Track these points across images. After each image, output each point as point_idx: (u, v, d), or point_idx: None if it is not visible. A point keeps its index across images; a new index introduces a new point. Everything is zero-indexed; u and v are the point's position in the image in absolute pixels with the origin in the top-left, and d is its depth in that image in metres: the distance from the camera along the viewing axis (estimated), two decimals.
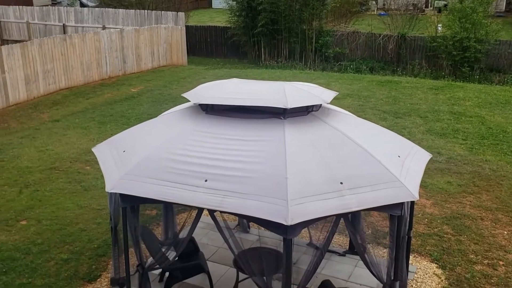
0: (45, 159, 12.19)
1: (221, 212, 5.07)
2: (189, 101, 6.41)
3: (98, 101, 17.69)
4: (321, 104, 6.22)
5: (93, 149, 6.56)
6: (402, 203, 5.41)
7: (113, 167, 5.83)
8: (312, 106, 6.08)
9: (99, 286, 7.28)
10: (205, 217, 8.32)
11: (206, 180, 5.19)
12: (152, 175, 5.43)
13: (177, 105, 7.66)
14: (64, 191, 10.41)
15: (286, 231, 4.84)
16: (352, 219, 5.59)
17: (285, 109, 5.75)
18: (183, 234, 6.13)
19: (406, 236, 6.71)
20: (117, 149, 6.13)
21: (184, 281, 7.18)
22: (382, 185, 5.30)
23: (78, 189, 10.52)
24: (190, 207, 5.19)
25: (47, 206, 9.73)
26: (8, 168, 11.61)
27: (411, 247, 7.28)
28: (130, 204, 5.66)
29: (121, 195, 5.54)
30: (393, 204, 5.32)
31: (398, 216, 5.47)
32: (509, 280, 7.41)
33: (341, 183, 5.16)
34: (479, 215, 9.38)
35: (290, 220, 4.71)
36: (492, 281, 7.39)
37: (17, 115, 16.07)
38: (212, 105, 6.10)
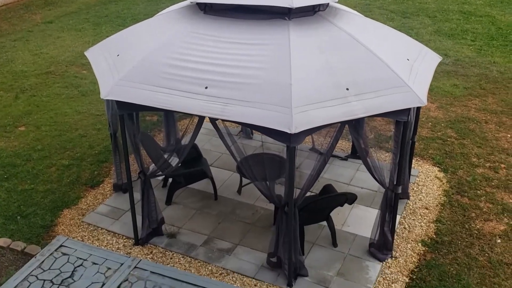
0: (40, 63, 11.83)
1: (222, 120, 4.90)
2: None
3: (92, 1, 16.89)
4: (328, 3, 5.81)
5: (86, 53, 6.24)
6: (409, 109, 5.23)
7: (107, 72, 5.56)
8: (319, 5, 5.68)
9: (102, 191, 7.33)
10: (207, 123, 8.19)
11: (206, 87, 4.95)
12: (148, 81, 5.18)
13: (175, 3, 7.20)
14: (62, 96, 10.20)
15: (289, 139, 4.71)
16: (355, 124, 5.43)
17: (290, 9, 5.36)
18: (185, 141, 6.02)
19: (410, 141, 6.64)
20: (110, 53, 5.82)
21: (187, 186, 7.22)
22: (390, 90, 5.07)
23: (76, 94, 10.30)
24: (191, 115, 5.00)
25: (45, 112, 9.58)
26: (2, 73, 11.30)
27: (414, 151, 7.23)
28: (127, 111, 5.48)
29: (118, 102, 5.33)
30: (400, 110, 5.13)
31: (404, 122, 5.32)
32: (510, 182, 7.44)
33: (347, 89, 4.92)
34: (483, 118, 9.25)
35: (294, 128, 4.55)
36: (493, 183, 7.43)
37: (8, 17, 15.40)
38: (211, 4, 5.70)
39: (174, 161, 6.09)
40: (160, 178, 7.33)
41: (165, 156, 6.82)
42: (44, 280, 5.67)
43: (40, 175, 7.69)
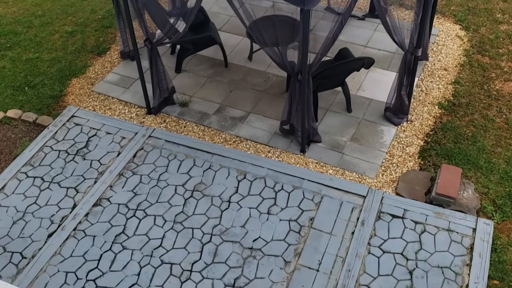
0: None
1: None
2: None
3: None
4: None
5: None
6: None
7: None
8: None
9: (109, 59, 7.09)
10: None
11: None
12: None
13: None
14: None
15: (303, 1, 4.32)
16: None
17: None
18: (191, 3, 5.62)
19: None
20: None
21: (196, 53, 6.94)
22: None
23: None
24: None
25: None
26: None
27: (436, 8, 6.75)
28: None
29: None
30: None
31: None
32: None
33: None
34: None
35: None
36: None
37: None
38: None
39: (181, 26, 5.75)
40: (168, 45, 7.04)
41: (171, 21, 6.45)
42: (60, 151, 5.74)
43: (43, 43, 7.42)
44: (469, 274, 4.46)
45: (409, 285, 4.41)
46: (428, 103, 6.15)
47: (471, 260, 4.56)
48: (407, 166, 5.46)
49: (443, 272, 4.48)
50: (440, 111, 6.06)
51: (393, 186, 5.28)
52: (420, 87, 6.37)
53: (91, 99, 6.45)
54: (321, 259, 4.63)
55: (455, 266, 4.52)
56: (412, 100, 6.14)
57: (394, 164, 5.48)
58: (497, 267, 4.54)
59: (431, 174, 5.35)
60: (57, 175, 5.50)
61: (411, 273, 4.50)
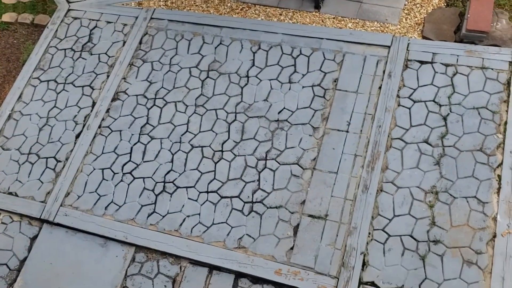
0: None
1: None
2: None
3: None
4: None
5: None
6: None
7: None
8: None
9: None
10: None
11: None
12: None
13: None
14: None
15: None
16: None
17: None
18: None
19: None
20: None
21: None
22: None
23: None
24: None
25: None
26: None
27: None
28: None
29: None
30: None
31: None
32: None
33: None
34: None
35: None
36: None
37: None
38: None
39: None
40: None
41: None
42: (65, 50, 5.49)
43: None
44: (507, 111, 4.27)
45: (444, 131, 4.29)
46: None
47: (508, 96, 4.33)
48: (432, 5, 5.01)
49: (479, 113, 4.31)
50: None
51: (418, 29, 4.91)
52: None
53: None
54: (350, 120, 4.51)
55: (491, 105, 4.33)
56: None
57: (417, 5, 5.04)
58: None
59: (459, 9, 4.91)
60: (69, 75, 5.33)
61: (445, 118, 4.35)
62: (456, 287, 3.71)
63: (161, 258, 4.28)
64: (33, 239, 4.56)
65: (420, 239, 3.91)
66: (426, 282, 3.77)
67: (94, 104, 5.10)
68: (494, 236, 3.82)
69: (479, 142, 4.19)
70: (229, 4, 5.43)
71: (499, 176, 4.02)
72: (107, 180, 4.67)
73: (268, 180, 4.39)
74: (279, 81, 4.83)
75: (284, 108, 4.69)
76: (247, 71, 4.94)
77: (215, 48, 5.13)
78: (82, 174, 4.74)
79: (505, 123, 4.22)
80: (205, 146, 4.65)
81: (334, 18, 5.11)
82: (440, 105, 4.42)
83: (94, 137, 4.92)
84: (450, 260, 3.81)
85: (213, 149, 4.62)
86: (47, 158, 4.90)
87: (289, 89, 4.77)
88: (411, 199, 4.06)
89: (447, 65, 4.59)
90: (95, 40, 5.48)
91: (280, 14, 5.25)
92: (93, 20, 5.63)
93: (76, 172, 4.76)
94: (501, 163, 4.07)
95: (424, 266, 3.82)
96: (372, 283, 3.84)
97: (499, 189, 3.97)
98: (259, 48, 5.04)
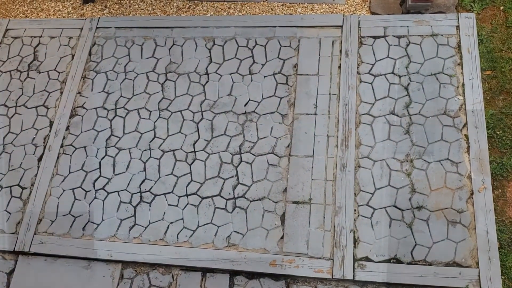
0: None
1: None
2: None
3: None
4: None
5: None
6: None
7: None
8: None
9: None
10: None
11: None
12: None
13: None
14: None
15: None
16: None
17: None
18: None
19: None
20: None
21: None
22: None
23: None
24: None
25: None
26: None
27: None
28: None
29: None
30: None
31: None
32: None
33: None
34: None
35: None
36: None
37: None
38: None
39: None
40: None
41: None
42: (10, 71, 5.22)
43: None
44: (462, 73, 4.46)
45: (408, 100, 4.43)
46: None
47: (461, 58, 4.52)
48: None
49: (437, 78, 4.48)
50: None
51: (366, 6, 5.02)
52: None
53: (17, 5, 5.72)
54: (316, 102, 4.56)
55: (447, 69, 4.50)
56: None
57: None
58: (487, 58, 4.54)
59: None
60: (19, 97, 5.08)
61: (406, 88, 4.49)
62: (446, 248, 3.86)
63: (150, 270, 4.19)
64: (10, 273, 4.35)
65: (404, 208, 4.04)
66: (417, 248, 3.90)
67: (51, 123, 4.89)
68: (472, 194, 4.00)
69: (442, 106, 4.36)
70: (175, 4, 5.34)
71: (466, 136, 4.20)
72: (79, 200, 4.50)
73: (246, 173, 4.38)
74: (239, 74, 4.81)
75: (249, 100, 4.68)
76: (206, 68, 4.89)
77: (169, 49, 5.03)
78: (51, 197, 4.55)
79: (463, 84, 4.41)
80: (176, 149, 4.57)
81: (282, 5, 5.14)
82: (400, 76, 4.55)
83: (58, 157, 4.72)
84: (436, 223, 3.95)
85: (185, 151, 4.55)
86: (10, 187, 4.66)
87: (251, 80, 4.76)
88: (388, 171, 4.18)
89: (399, 37, 4.72)
90: (41, 58, 5.24)
91: (229, 8, 5.22)
92: (35, 37, 5.37)
93: (45, 197, 4.56)
94: (466, 123, 4.25)
95: (412, 233, 3.95)
96: (366, 258, 3.94)
97: (468, 148, 4.16)
98: (214, 44, 4.99)
